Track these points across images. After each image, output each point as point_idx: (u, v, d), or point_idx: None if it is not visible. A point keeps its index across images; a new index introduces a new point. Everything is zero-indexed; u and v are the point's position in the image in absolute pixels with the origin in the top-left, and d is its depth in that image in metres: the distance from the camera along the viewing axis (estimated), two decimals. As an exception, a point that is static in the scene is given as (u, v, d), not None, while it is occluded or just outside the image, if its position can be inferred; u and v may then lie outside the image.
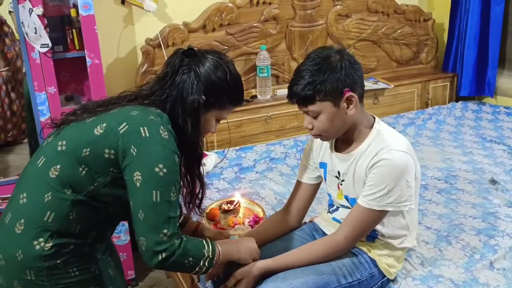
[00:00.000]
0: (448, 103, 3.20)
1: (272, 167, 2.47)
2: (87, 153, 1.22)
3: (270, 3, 2.72)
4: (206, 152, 2.45)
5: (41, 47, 2.04)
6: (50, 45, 2.04)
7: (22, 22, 2.00)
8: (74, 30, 2.15)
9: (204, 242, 1.31)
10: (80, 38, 2.13)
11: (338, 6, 2.90)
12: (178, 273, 2.27)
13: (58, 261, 1.22)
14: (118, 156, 1.22)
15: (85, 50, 2.11)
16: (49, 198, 1.22)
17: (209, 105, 1.34)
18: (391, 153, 1.38)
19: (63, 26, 2.18)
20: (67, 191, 1.22)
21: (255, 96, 2.76)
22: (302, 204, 1.67)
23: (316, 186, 1.67)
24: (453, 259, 1.69)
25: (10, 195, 1.32)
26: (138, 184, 1.19)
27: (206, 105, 1.33)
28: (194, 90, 1.30)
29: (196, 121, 1.32)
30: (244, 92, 1.44)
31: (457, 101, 3.19)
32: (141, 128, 1.21)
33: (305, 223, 1.73)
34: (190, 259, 1.25)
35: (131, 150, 1.20)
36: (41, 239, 1.21)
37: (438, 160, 2.51)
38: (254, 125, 2.68)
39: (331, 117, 1.40)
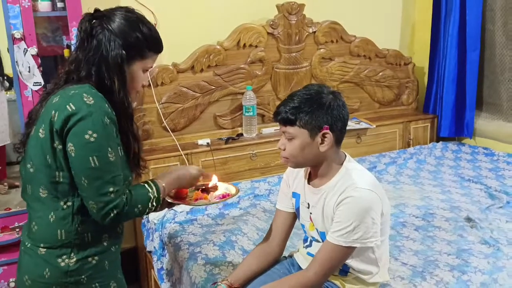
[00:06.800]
0: (430, 143, 3.29)
1: (255, 203, 2.53)
2: (49, 159, 1.30)
3: (256, 46, 2.84)
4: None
5: (33, 85, 2.13)
6: (43, 83, 2.13)
7: (16, 61, 2.10)
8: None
9: (147, 186, 1.40)
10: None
11: (321, 50, 3.03)
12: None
13: (83, 276, 1.32)
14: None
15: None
16: (53, 218, 1.32)
17: (131, 58, 1.38)
18: (356, 190, 1.44)
19: (56, 65, 2.28)
20: (62, 202, 1.32)
21: (241, 134, 2.84)
22: (282, 233, 1.69)
23: (295, 214, 1.70)
24: (426, 294, 1.74)
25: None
26: (73, 154, 1.27)
27: (128, 58, 1.37)
28: (113, 46, 1.34)
29: (123, 77, 1.37)
30: (161, 39, 1.45)
31: (438, 141, 3.29)
32: (67, 105, 1.27)
33: (285, 257, 1.77)
34: (139, 206, 1.35)
35: (63, 126, 1.27)
36: (64, 256, 1.32)
37: (417, 198, 2.58)
38: (239, 162, 2.75)
39: (303, 145, 1.48)
